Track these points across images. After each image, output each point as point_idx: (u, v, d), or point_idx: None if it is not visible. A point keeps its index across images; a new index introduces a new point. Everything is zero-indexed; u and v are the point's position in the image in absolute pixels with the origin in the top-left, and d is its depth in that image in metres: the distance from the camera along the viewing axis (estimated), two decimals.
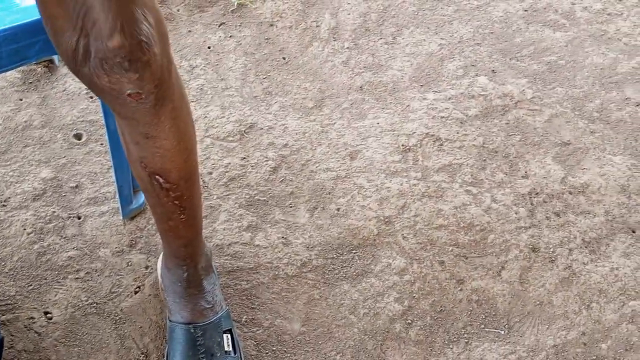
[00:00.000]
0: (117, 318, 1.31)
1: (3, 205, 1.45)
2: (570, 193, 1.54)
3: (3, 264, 1.36)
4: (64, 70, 1.72)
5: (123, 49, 0.84)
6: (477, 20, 1.96)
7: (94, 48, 0.85)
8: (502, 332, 1.34)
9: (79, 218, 1.44)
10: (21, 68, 1.67)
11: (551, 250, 1.45)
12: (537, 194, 1.55)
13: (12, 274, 1.35)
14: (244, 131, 1.64)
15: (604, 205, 1.52)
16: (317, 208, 1.51)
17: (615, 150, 1.63)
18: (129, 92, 0.89)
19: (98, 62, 0.86)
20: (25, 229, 1.41)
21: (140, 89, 0.90)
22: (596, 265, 1.43)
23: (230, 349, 1.23)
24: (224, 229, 1.46)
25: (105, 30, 0.83)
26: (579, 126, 1.68)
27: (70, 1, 0.83)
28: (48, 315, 1.30)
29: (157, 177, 1.05)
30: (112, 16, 0.83)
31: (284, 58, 1.83)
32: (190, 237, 1.19)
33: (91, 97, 1.67)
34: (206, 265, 1.26)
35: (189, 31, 1.87)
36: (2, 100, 1.64)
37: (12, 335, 1.26)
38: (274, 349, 1.30)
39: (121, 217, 1.44)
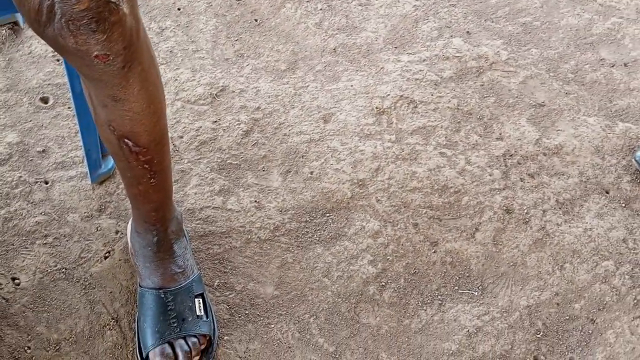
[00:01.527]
0: (87, 283, 1.29)
1: None
2: (545, 154, 1.54)
3: None
4: (29, 32, 1.68)
5: (90, 9, 0.82)
6: None
7: (60, 8, 0.82)
8: (476, 294, 1.34)
9: (47, 183, 1.41)
10: None
11: (525, 211, 1.45)
12: (511, 155, 1.54)
13: None
14: (215, 94, 1.61)
15: (578, 166, 1.52)
16: (290, 172, 1.49)
17: (590, 112, 1.62)
18: (96, 53, 0.87)
19: (64, 23, 0.83)
20: None
21: (108, 51, 0.88)
22: (570, 226, 1.43)
23: (202, 313, 1.22)
24: (195, 193, 1.44)
25: None
26: (553, 87, 1.67)
27: None
28: (16, 281, 1.28)
29: (126, 140, 1.02)
30: None
31: (256, 20, 1.80)
32: (160, 201, 1.16)
33: (58, 60, 1.63)
34: (177, 229, 1.25)
35: None
36: None
37: None
38: (247, 312, 1.29)
39: (90, 182, 1.41)
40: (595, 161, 1.53)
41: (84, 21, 0.83)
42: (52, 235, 1.34)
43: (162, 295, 1.20)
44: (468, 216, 1.44)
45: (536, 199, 1.47)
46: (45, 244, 1.33)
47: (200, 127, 1.55)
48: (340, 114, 1.60)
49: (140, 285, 1.23)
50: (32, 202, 1.38)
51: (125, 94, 0.95)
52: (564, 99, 1.65)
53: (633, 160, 1.50)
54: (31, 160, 1.44)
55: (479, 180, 1.49)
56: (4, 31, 1.67)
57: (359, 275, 1.35)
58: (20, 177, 1.41)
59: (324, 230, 1.41)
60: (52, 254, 1.32)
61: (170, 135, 1.52)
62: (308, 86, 1.65)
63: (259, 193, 1.45)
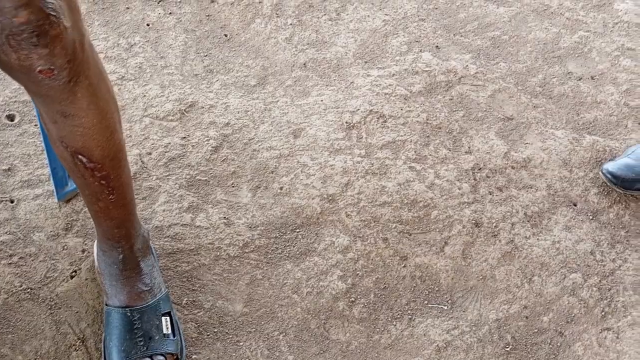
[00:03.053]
0: (53, 303, 1.27)
1: None
2: (513, 168, 1.55)
3: None
4: None
5: (30, 23, 0.81)
6: None
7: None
8: (445, 308, 1.34)
9: (12, 202, 1.40)
10: None
11: (494, 225, 1.45)
12: (480, 169, 1.55)
13: None
14: (184, 110, 1.61)
15: (546, 179, 1.53)
16: (259, 187, 1.49)
17: (558, 125, 1.64)
18: (39, 68, 0.86)
19: (5, 38, 0.82)
20: None
21: (52, 65, 0.87)
22: (538, 239, 1.44)
23: (170, 332, 1.21)
24: (163, 211, 1.43)
25: (10, 4, 0.79)
26: (521, 101, 1.68)
27: None
28: None
29: (79, 156, 1.01)
30: None
31: (225, 35, 1.80)
32: (122, 218, 1.15)
33: None
34: (143, 246, 1.23)
35: (127, 8, 1.82)
36: None
37: None
38: (216, 330, 1.28)
39: (56, 200, 1.39)
40: (563, 174, 1.54)
41: (25, 35, 0.82)
42: (17, 254, 1.32)
43: (129, 314, 1.19)
44: (437, 230, 1.44)
45: (505, 212, 1.47)
46: (11, 263, 1.31)
47: (169, 143, 1.54)
48: (310, 129, 1.60)
49: (106, 304, 1.22)
50: None
51: (73, 109, 0.94)
52: (532, 113, 1.66)
53: (600, 172, 1.51)
54: None
55: (448, 194, 1.50)
56: None
57: (329, 291, 1.34)
58: None
59: (294, 246, 1.41)
60: (17, 273, 1.30)
61: (138, 151, 1.51)
62: (278, 101, 1.65)
63: (228, 209, 1.45)
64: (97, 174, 1.04)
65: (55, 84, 0.89)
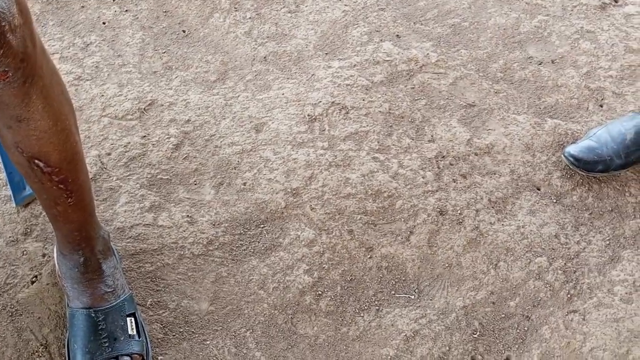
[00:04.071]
0: (14, 310, 1.25)
1: None
2: (476, 154, 1.55)
3: None
4: None
5: None
6: None
7: None
8: (413, 297, 1.33)
9: None
10: None
11: (458, 212, 1.45)
12: (443, 157, 1.54)
13: None
14: (144, 108, 1.58)
15: (509, 164, 1.53)
16: (222, 184, 1.47)
17: (519, 110, 1.64)
18: None
19: None
20: None
21: (6, 67, 0.85)
22: (503, 224, 1.44)
23: (134, 332, 1.19)
24: (125, 211, 1.41)
25: None
26: (483, 87, 1.68)
27: None
28: None
29: (36, 161, 0.99)
30: None
31: (183, 31, 1.77)
32: (81, 221, 1.13)
33: None
34: (104, 248, 1.22)
35: (82, 7, 1.79)
36: None
37: None
38: (181, 330, 1.26)
39: (14, 205, 1.37)
40: (525, 159, 1.54)
41: None
42: None
43: (93, 315, 1.17)
44: (402, 220, 1.44)
45: (469, 199, 1.47)
46: None
47: (129, 142, 1.52)
48: (272, 123, 1.58)
49: (69, 306, 1.20)
50: None
51: (28, 113, 0.92)
52: (494, 98, 1.66)
53: (562, 156, 1.51)
54: None
55: (412, 184, 1.49)
56: None
57: (295, 286, 1.33)
58: None
59: (259, 242, 1.39)
60: None
61: (97, 152, 1.48)
62: (239, 96, 1.64)
63: (191, 207, 1.43)
64: (54, 178, 1.02)
65: (9, 88, 0.87)
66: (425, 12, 1.87)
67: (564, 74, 1.72)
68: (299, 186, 1.48)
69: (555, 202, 1.47)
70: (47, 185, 1.04)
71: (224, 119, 1.59)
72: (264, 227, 1.41)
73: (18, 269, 1.30)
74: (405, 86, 1.67)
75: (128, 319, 1.20)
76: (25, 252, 1.32)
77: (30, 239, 1.34)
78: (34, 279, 1.29)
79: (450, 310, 1.32)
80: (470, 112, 1.63)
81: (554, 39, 1.80)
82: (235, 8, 1.84)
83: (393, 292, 1.34)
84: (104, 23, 1.76)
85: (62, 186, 1.04)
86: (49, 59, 0.94)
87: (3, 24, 0.81)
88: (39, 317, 1.24)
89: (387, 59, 1.73)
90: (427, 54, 1.75)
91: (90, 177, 1.43)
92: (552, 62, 1.75)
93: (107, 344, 1.16)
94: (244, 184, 1.48)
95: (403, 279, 1.36)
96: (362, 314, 1.31)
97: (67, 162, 1.02)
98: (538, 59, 1.76)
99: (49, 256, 1.32)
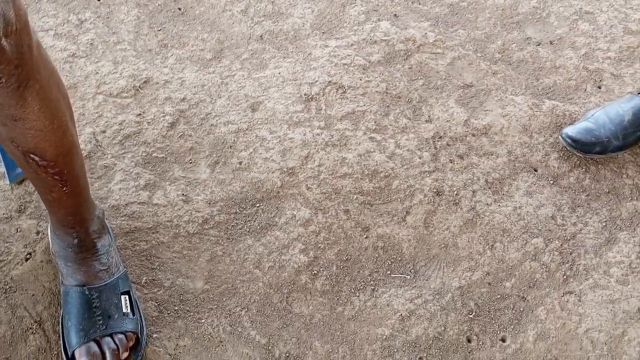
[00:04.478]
0: (7, 287, 1.24)
1: None
2: (473, 135, 1.54)
3: None
4: None
5: None
6: None
7: None
8: (408, 277, 1.33)
9: None
10: None
11: (455, 193, 1.44)
12: (440, 137, 1.53)
13: None
14: (139, 86, 1.57)
15: (506, 145, 1.53)
16: (218, 163, 1.46)
17: (517, 91, 1.63)
18: None
19: None
20: None
21: (0, 73, 0.83)
22: (499, 205, 1.43)
23: (129, 310, 1.19)
24: (120, 189, 1.40)
25: None
26: (481, 68, 1.67)
27: None
28: None
29: (31, 155, 0.98)
30: None
31: (179, 9, 1.75)
32: (76, 205, 1.13)
33: None
34: (98, 227, 1.21)
35: None
36: None
37: None
38: (176, 308, 1.26)
39: (8, 182, 1.35)
40: (523, 140, 1.54)
41: None
42: None
43: (87, 292, 1.17)
44: (399, 200, 1.43)
45: (466, 179, 1.47)
46: None
47: (124, 120, 1.50)
48: (269, 102, 1.57)
49: (63, 284, 1.19)
50: None
51: (24, 113, 0.90)
52: (492, 79, 1.65)
53: (560, 137, 1.51)
54: None
55: (408, 164, 1.48)
56: None
57: (291, 265, 1.33)
58: None
59: (254, 221, 1.39)
60: None
61: (92, 130, 1.47)
62: (235, 75, 1.62)
63: (187, 186, 1.42)
64: (50, 171, 1.02)
65: (4, 91, 0.85)
66: None
67: (562, 55, 1.70)
68: (295, 165, 1.47)
69: (552, 184, 1.47)
70: (42, 176, 1.03)
71: (220, 97, 1.57)
72: (259, 206, 1.41)
73: (12, 246, 1.29)
74: (403, 66, 1.66)
75: (122, 296, 1.20)
76: (19, 229, 1.31)
77: (24, 216, 1.33)
78: (27, 256, 1.28)
79: (446, 291, 1.31)
80: (467, 92, 1.62)
81: (553, 20, 1.79)
82: None
83: (389, 272, 1.34)
84: (98, 0, 1.74)
85: (57, 177, 1.03)
86: (46, 60, 0.92)
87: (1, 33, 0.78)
88: (33, 294, 1.24)
89: (385, 38, 1.72)
90: (425, 33, 1.73)
91: (84, 154, 1.43)
92: (551, 43, 1.74)
93: (101, 322, 1.16)
94: (240, 163, 1.47)
95: (399, 259, 1.35)
96: (357, 294, 1.30)
97: (63, 156, 1.01)
98: (536, 40, 1.74)
99: (43, 233, 1.31)
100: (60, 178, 1.05)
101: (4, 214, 1.33)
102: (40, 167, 1.01)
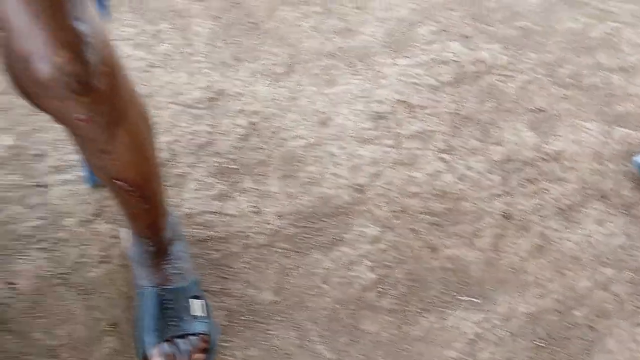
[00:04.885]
0: (84, 289, 1.27)
1: None
2: (544, 160, 1.53)
3: None
4: None
5: (69, 70, 0.76)
6: None
7: (33, 70, 0.77)
8: (476, 300, 1.33)
9: (43, 186, 1.39)
10: None
11: (524, 217, 1.44)
12: (510, 161, 1.53)
13: None
14: (212, 98, 1.60)
15: (577, 172, 1.52)
16: (288, 176, 1.48)
17: (589, 117, 1.62)
18: (78, 116, 0.82)
19: (40, 85, 0.77)
20: None
21: (91, 112, 0.82)
22: (569, 232, 1.42)
23: (200, 314, 1.21)
24: (193, 198, 1.42)
25: (46, 49, 0.75)
26: (552, 92, 1.67)
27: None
28: (12, 285, 1.26)
29: (116, 181, 1.01)
30: (49, 34, 0.75)
31: (252, 22, 1.79)
32: (153, 218, 1.16)
33: None
34: (173, 234, 1.23)
35: None
36: None
37: None
38: (246, 318, 1.28)
39: (86, 186, 1.39)
40: (594, 167, 1.53)
41: (63, 83, 0.77)
42: (48, 240, 1.32)
43: (161, 293, 1.19)
44: (467, 222, 1.43)
45: (535, 204, 1.46)
46: (42, 248, 1.31)
47: (198, 130, 1.53)
48: (338, 118, 1.59)
49: (138, 286, 1.22)
50: (28, 206, 1.36)
51: (113, 148, 0.92)
52: (563, 104, 1.64)
53: (632, 166, 1.49)
54: (27, 163, 1.42)
55: (478, 186, 1.48)
56: None
57: (359, 282, 1.34)
58: (17, 180, 1.39)
59: (323, 236, 1.40)
60: (49, 258, 1.30)
61: (167, 139, 1.50)
62: (305, 90, 1.64)
63: (257, 198, 1.44)
64: (133, 194, 1.04)
65: (94, 128, 0.85)
66: (494, 13, 1.85)
67: (634, 82, 1.69)
68: (364, 182, 1.48)
69: (624, 213, 1.45)
70: (125, 197, 1.06)
71: (290, 111, 1.60)
72: (328, 221, 1.42)
73: (89, 249, 1.32)
74: (473, 87, 1.67)
75: (195, 300, 1.22)
76: (95, 233, 1.34)
77: (100, 220, 1.36)
78: (103, 260, 1.31)
79: (514, 316, 1.31)
80: (538, 116, 1.62)
81: (624, 47, 1.78)
82: (303, 2, 1.84)
83: (456, 294, 1.34)
84: (175, 11, 1.78)
85: (139, 198, 1.06)
86: (136, 97, 0.93)
87: (90, 71, 0.78)
88: (109, 297, 1.27)
89: (455, 59, 1.72)
90: (496, 55, 1.74)
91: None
92: (623, 70, 1.73)
93: (174, 323, 1.18)
94: (309, 177, 1.48)
95: (467, 281, 1.35)
96: (425, 314, 1.31)
97: (147, 181, 1.04)
98: (608, 66, 1.73)
99: (119, 237, 1.34)
100: (142, 198, 1.08)
101: (82, 217, 1.36)
102: (125, 190, 1.04)
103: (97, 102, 0.81)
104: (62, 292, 1.26)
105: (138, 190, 1.05)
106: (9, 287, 1.26)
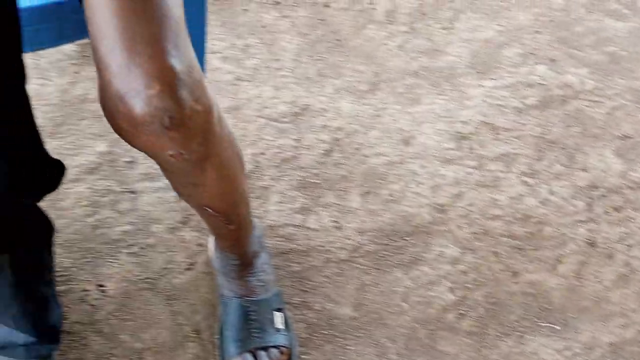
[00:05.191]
0: (170, 294, 1.31)
1: None
2: (631, 188, 1.51)
3: (59, 235, 1.36)
4: None
5: (159, 105, 0.76)
6: (536, 7, 1.91)
7: (127, 106, 0.77)
8: (557, 327, 1.31)
9: (133, 193, 1.44)
10: (78, 42, 1.66)
11: (609, 245, 1.42)
12: (595, 187, 1.51)
13: (68, 246, 1.35)
14: (297, 112, 1.63)
15: None
16: (369, 193, 1.50)
17: None
18: (169, 152, 0.82)
19: (134, 123, 0.77)
20: (80, 202, 1.42)
21: (182, 149, 0.82)
22: None
23: (282, 326, 1.23)
24: (276, 210, 1.45)
25: (140, 85, 0.76)
26: (639, 119, 1.64)
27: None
28: (102, 288, 1.31)
29: (204, 208, 1.04)
30: (143, 70, 0.76)
31: (338, 40, 1.81)
32: (239, 237, 1.18)
33: None
34: (257, 247, 1.25)
35: (244, 9, 1.85)
36: (59, 73, 1.65)
37: (66, 307, 1.27)
38: (325, 332, 1.29)
39: (174, 194, 1.43)
40: None
41: (154, 119, 0.77)
42: (137, 244, 1.37)
43: (244, 304, 1.22)
44: (550, 247, 1.41)
45: (621, 233, 1.43)
46: (131, 253, 1.36)
47: (282, 144, 1.56)
48: (421, 137, 1.60)
49: (222, 295, 1.24)
50: (119, 211, 1.41)
51: (202, 181, 0.93)
52: None
53: None
54: (119, 170, 1.48)
55: (562, 211, 1.47)
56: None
57: (438, 302, 1.34)
58: (109, 186, 1.45)
59: (403, 254, 1.40)
60: (138, 263, 1.34)
61: (252, 151, 1.54)
62: (389, 108, 1.65)
63: (339, 213, 1.46)
64: (219, 218, 1.07)
65: (184, 165, 0.86)
66: (582, 38, 1.83)
67: None
68: (446, 203, 1.48)
69: None
70: (212, 220, 1.10)
71: (373, 129, 1.61)
72: (408, 239, 1.43)
73: (175, 255, 1.36)
74: (559, 111, 1.65)
75: (277, 312, 1.24)
76: (182, 240, 1.38)
77: (187, 227, 1.40)
78: (189, 267, 1.35)
79: (596, 346, 1.29)
80: (625, 143, 1.59)
81: None
82: (389, 21, 1.86)
83: (537, 320, 1.32)
84: (263, 27, 1.82)
85: (225, 222, 1.09)
86: (227, 134, 0.93)
87: (182, 106, 0.78)
88: (193, 304, 1.30)
89: (541, 82, 1.71)
90: (583, 80, 1.72)
91: (244, 173, 1.49)
92: None
93: (256, 335, 1.20)
94: (391, 195, 1.49)
95: (548, 307, 1.34)
96: (504, 339, 1.30)
97: (234, 207, 1.07)
98: None
99: (204, 246, 1.37)
100: (227, 221, 1.10)
101: (169, 224, 1.40)
102: (210, 215, 1.07)
103: (188, 138, 0.81)
104: (148, 296, 1.30)
105: (224, 215, 1.07)
106: (98, 290, 1.31)
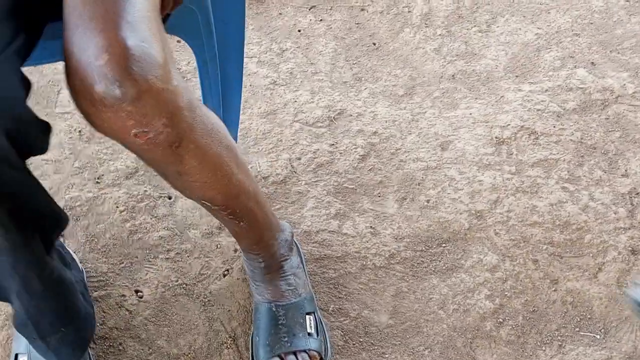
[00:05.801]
0: (206, 300, 1.31)
1: (97, 182, 1.46)
2: None
3: (96, 240, 1.38)
4: None
5: (108, 75, 0.75)
6: (575, 9, 1.88)
7: (83, 79, 0.76)
8: (598, 337, 1.29)
9: (170, 198, 1.45)
10: None
11: None
12: (637, 193, 1.48)
13: (105, 251, 1.36)
14: (333, 117, 1.62)
15: None
16: (406, 199, 1.48)
17: None
18: (133, 131, 0.79)
19: (90, 95, 0.76)
20: (117, 207, 1.42)
21: (145, 128, 0.79)
22: None
23: (313, 331, 1.22)
24: (312, 216, 1.44)
25: (88, 59, 0.75)
26: None
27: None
28: (139, 293, 1.31)
29: (202, 201, 1.03)
30: (94, 42, 0.75)
31: (374, 44, 1.80)
32: (256, 236, 1.17)
33: (187, 79, 1.67)
34: (285, 250, 1.25)
35: (280, 14, 1.85)
36: None
37: (104, 312, 1.28)
38: (361, 340, 1.28)
39: None
40: None
41: (108, 93, 0.76)
42: (174, 250, 1.37)
43: (274, 309, 1.21)
44: (591, 255, 1.39)
45: None
46: (168, 258, 1.36)
47: (318, 149, 1.55)
48: (459, 142, 1.58)
49: (254, 301, 1.24)
50: (156, 217, 1.42)
51: (185, 169, 0.91)
52: None
53: None
54: (156, 175, 1.48)
55: (602, 218, 1.44)
56: None
57: (476, 310, 1.32)
58: (146, 191, 1.45)
59: (440, 261, 1.39)
60: (174, 268, 1.35)
61: (288, 156, 1.53)
62: (425, 112, 1.64)
63: (375, 219, 1.45)
64: (223, 212, 1.06)
65: (156, 149, 0.83)
66: (623, 41, 1.80)
67: None
68: (484, 209, 1.46)
69: None
70: (218, 215, 1.09)
71: (410, 134, 1.60)
72: (445, 246, 1.41)
73: (212, 261, 1.36)
74: (599, 116, 1.62)
75: (307, 316, 1.23)
76: (218, 246, 1.38)
77: (223, 233, 1.40)
78: (225, 272, 1.35)
79: (638, 356, 1.26)
80: None
81: None
82: (425, 24, 1.84)
83: (577, 329, 1.30)
84: (299, 31, 1.81)
85: (231, 217, 1.08)
86: (203, 119, 0.90)
87: (139, 83, 0.76)
88: (229, 310, 1.30)
89: (581, 86, 1.68)
90: (624, 84, 1.68)
91: (280, 179, 1.48)
92: None
93: (286, 339, 1.20)
94: (428, 201, 1.48)
95: (588, 316, 1.31)
96: (543, 348, 1.28)
97: (232, 199, 1.04)
98: None
99: (240, 252, 1.37)
100: (235, 217, 1.09)
101: (206, 229, 1.41)
102: (214, 209, 1.06)
103: (149, 115, 0.79)
104: (185, 302, 1.31)
105: (225, 208, 1.05)
106: (136, 295, 1.31)
